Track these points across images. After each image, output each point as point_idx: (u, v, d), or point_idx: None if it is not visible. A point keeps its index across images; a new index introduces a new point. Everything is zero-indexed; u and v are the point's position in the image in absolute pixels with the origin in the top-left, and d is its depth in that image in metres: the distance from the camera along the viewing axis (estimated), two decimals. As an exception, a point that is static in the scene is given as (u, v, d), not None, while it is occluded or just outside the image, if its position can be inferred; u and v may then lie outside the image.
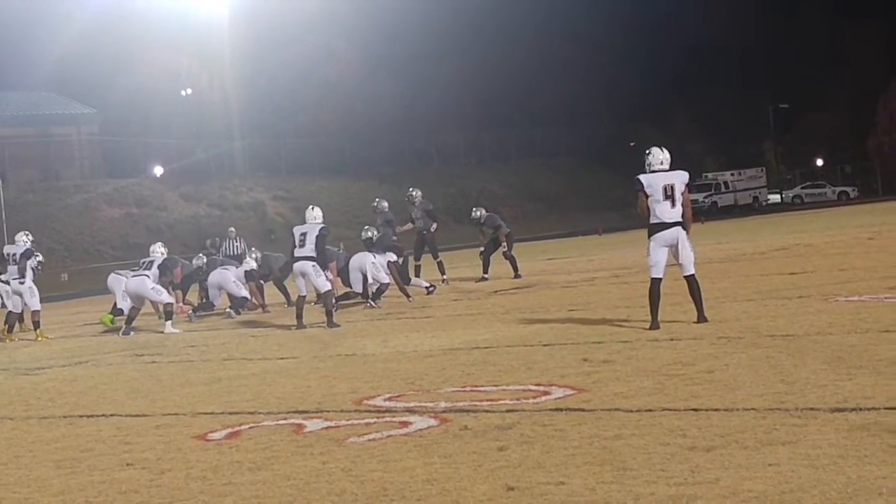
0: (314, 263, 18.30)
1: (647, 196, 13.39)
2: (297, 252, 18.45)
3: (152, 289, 20.57)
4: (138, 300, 20.89)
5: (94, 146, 68.17)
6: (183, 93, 75.81)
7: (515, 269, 25.61)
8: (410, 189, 27.03)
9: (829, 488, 5.95)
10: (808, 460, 6.56)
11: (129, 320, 20.60)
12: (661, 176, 13.47)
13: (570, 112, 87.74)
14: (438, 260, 26.26)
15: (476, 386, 10.33)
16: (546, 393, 9.55)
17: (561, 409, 8.77)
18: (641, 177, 13.50)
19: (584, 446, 7.43)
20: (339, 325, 17.78)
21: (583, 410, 8.66)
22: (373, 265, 21.71)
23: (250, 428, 9.19)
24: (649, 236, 13.51)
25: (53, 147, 63.98)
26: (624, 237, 38.32)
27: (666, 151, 13.72)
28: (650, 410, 8.44)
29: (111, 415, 10.75)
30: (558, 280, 23.69)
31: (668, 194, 13.31)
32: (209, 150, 70.65)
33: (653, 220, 13.40)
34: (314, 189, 66.96)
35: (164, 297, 20.78)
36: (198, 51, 70.67)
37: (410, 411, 9.29)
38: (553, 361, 11.54)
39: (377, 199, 26.48)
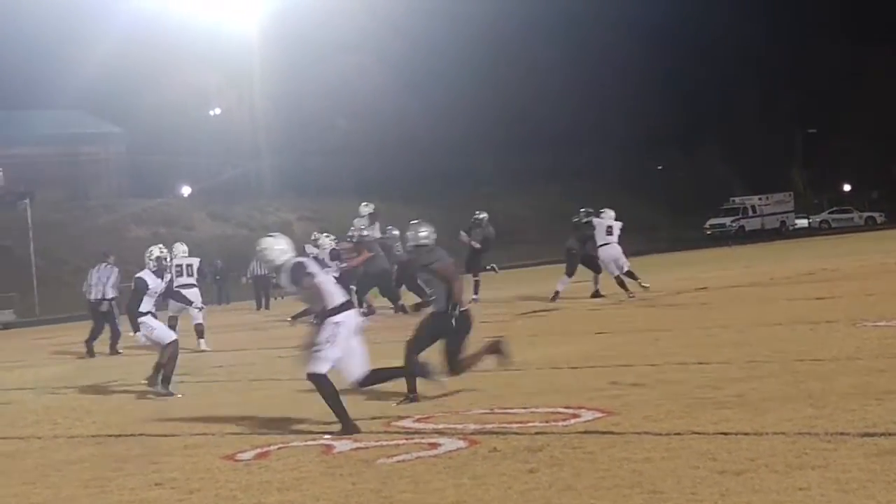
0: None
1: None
2: None
3: (201, 307, 20.49)
4: (180, 312, 20.85)
5: (122, 165, 68.56)
6: (211, 112, 76.14)
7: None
8: (479, 213, 27.71)
9: (860, 513, 5.94)
10: (838, 485, 6.54)
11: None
12: None
13: (595, 135, 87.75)
14: (476, 279, 26.63)
15: (505, 408, 10.32)
16: (575, 415, 9.54)
17: (590, 432, 8.78)
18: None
19: (614, 469, 7.43)
20: None
21: (612, 433, 8.65)
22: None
23: (279, 448, 9.21)
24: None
25: (82, 166, 64.38)
26: (649, 260, 38.20)
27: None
28: (679, 434, 8.42)
29: (139, 434, 10.80)
30: (585, 303, 23.67)
31: None
32: (237, 169, 70.93)
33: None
34: (340, 209, 66.97)
35: (202, 314, 20.86)
36: (227, 69, 71.04)
37: (439, 433, 9.30)
38: (581, 384, 11.53)
39: (479, 212, 27.26)
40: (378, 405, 11.11)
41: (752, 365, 11.78)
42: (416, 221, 12.44)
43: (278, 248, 10.74)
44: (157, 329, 14.74)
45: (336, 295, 10.37)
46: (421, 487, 7.34)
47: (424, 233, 12.03)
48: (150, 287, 14.78)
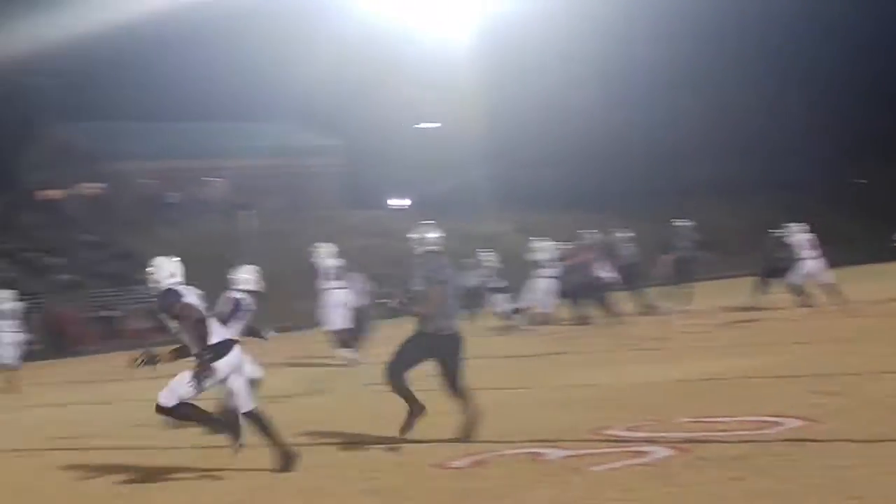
0: None
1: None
2: None
3: None
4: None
5: (339, 177, 70.11)
6: (426, 124, 77.22)
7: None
8: (680, 220, 27.81)
9: None
10: None
11: None
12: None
13: (801, 145, 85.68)
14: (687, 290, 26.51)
15: (709, 416, 10.34)
16: (777, 424, 9.55)
17: (792, 440, 8.82)
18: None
19: (818, 476, 7.47)
20: None
21: (814, 441, 8.69)
22: None
23: (491, 457, 9.36)
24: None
25: (300, 178, 66.12)
26: (854, 271, 37.02)
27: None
28: (880, 441, 8.42)
29: (351, 442, 11.07)
30: (784, 313, 23.26)
31: None
32: (452, 180, 71.71)
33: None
34: (551, 221, 66.98)
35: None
36: (441, 81, 71.95)
37: (648, 441, 9.36)
38: (783, 393, 11.51)
39: (680, 220, 27.16)
40: (585, 414, 11.17)
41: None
42: (428, 223, 11.45)
43: (166, 270, 10.04)
44: None
45: (214, 334, 9.62)
46: (630, 495, 7.42)
47: (433, 236, 11.06)
48: None
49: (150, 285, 10.03)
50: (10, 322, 23.69)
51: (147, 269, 10.11)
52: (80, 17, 45.10)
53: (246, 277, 14.14)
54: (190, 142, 60.15)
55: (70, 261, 43.72)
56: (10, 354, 23.42)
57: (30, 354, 26.12)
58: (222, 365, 9.50)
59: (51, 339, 36.36)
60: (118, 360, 13.48)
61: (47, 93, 59.53)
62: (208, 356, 9.37)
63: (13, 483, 10.66)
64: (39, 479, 10.73)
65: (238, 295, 13.86)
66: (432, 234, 10.98)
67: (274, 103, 63.47)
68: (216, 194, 58.03)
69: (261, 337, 14.10)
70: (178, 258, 10.12)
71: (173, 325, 9.67)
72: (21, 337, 24.06)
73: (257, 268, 15.04)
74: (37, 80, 58.92)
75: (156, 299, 9.88)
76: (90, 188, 57.05)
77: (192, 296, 9.76)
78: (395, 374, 10.66)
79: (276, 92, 62.47)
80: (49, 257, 45.40)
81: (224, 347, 9.61)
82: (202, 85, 59.65)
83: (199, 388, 9.45)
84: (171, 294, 9.66)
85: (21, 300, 25.07)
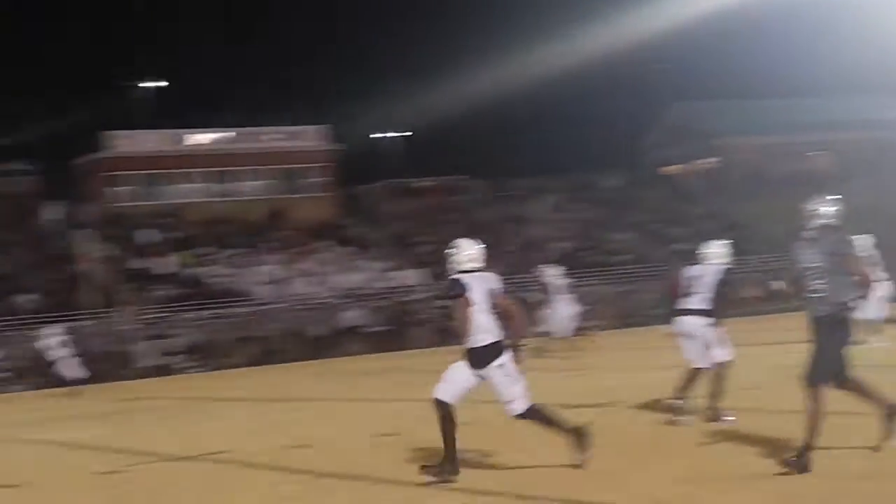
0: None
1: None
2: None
3: None
4: None
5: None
6: None
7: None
8: None
9: None
10: None
11: None
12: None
13: None
14: None
15: None
16: None
17: None
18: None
19: None
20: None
21: None
22: None
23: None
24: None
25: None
26: None
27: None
28: None
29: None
30: None
31: None
32: None
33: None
34: None
35: None
36: None
37: None
38: None
39: None
40: None
41: None
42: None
43: (466, 253, 9.99)
44: None
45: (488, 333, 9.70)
46: None
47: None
48: None
49: (448, 265, 9.94)
50: (564, 296, 26.60)
51: (449, 250, 9.96)
52: (686, 4, 48.50)
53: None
54: (792, 117, 62.24)
55: (687, 231, 47.91)
56: (563, 327, 26.48)
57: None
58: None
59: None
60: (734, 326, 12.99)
61: (663, 76, 64.78)
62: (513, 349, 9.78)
63: (635, 433, 12.20)
64: (655, 431, 12.19)
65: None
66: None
67: (866, 76, 62.16)
68: (820, 167, 59.28)
69: None
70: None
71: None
72: (575, 310, 26.83)
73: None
74: (654, 65, 64.02)
75: (448, 281, 9.88)
76: (704, 163, 61.72)
77: (482, 284, 9.74)
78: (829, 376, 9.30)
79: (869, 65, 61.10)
80: (670, 228, 51.64)
81: (493, 350, 9.66)
82: (800, 60, 61.24)
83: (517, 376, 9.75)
84: (456, 285, 9.71)
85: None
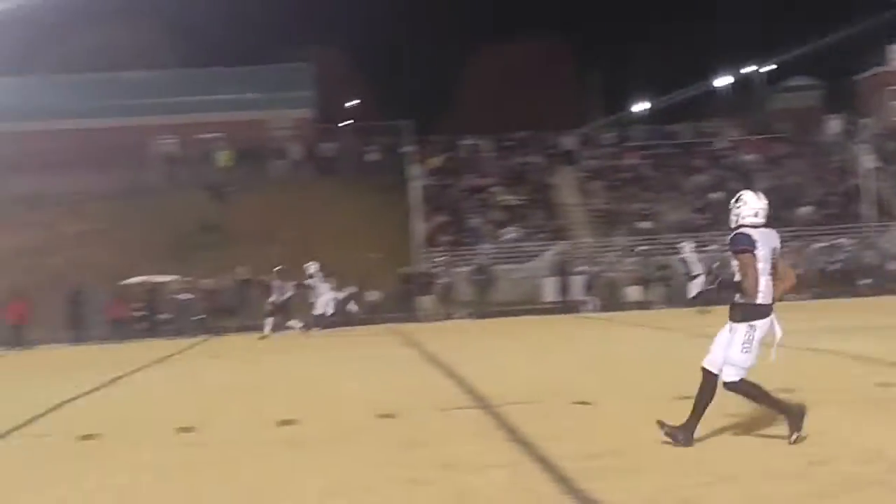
0: None
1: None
2: None
3: None
4: None
5: None
6: None
7: None
8: None
9: None
10: None
11: None
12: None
13: None
14: None
15: None
16: None
17: None
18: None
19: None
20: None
21: None
22: None
23: None
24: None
25: None
26: None
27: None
28: None
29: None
30: None
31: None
32: None
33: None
34: None
35: None
36: None
37: None
38: None
39: None
40: None
41: None
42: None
43: (751, 207, 9.28)
44: None
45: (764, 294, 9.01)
46: None
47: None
48: None
49: (732, 217, 9.37)
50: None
51: (734, 202, 9.41)
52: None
53: None
54: None
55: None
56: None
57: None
58: (758, 326, 9.10)
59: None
60: None
61: None
62: (746, 313, 9.08)
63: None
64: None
65: None
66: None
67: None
68: None
69: None
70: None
71: (734, 265, 9.23)
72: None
73: None
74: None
75: (730, 235, 9.32)
76: None
77: (768, 240, 9.18)
78: None
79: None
80: None
81: (762, 309, 9.10)
82: None
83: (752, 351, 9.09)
84: (742, 238, 9.09)
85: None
